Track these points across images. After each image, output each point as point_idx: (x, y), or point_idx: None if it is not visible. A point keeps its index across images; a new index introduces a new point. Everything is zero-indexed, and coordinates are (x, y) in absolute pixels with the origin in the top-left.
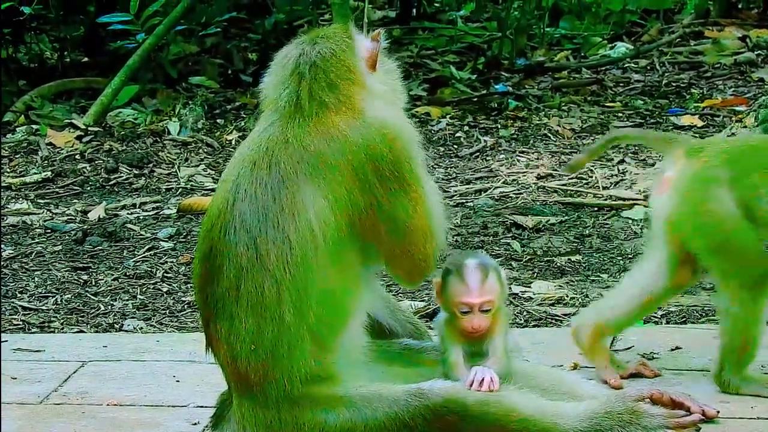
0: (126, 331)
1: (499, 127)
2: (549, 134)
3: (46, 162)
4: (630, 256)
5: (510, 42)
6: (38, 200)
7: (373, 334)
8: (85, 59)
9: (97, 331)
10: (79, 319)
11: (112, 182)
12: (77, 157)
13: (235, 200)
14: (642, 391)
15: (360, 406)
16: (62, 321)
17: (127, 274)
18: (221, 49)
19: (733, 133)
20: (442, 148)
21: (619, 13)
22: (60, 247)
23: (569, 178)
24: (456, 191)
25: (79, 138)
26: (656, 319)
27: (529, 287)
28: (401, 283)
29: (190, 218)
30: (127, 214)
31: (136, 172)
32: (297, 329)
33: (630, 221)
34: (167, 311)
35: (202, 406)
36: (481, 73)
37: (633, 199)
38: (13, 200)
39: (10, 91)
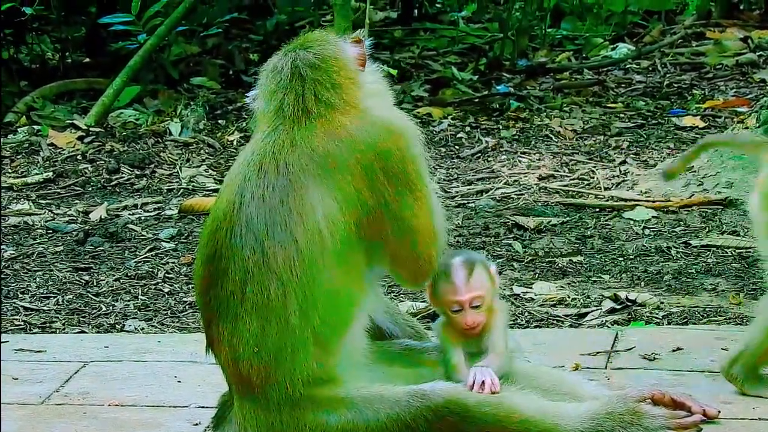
0: (127, 331)
1: (501, 127)
2: (550, 135)
3: (47, 162)
4: (631, 257)
5: (511, 43)
6: (40, 201)
7: (373, 338)
8: (87, 60)
9: (98, 332)
10: (81, 319)
11: (113, 183)
12: (79, 157)
13: (242, 203)
14: (643, 391)
15: (361, 408)
16: (63, 321)
17: (129, 274)
18: (223, 50)
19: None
20: (443, 149)
21: (620, 14)
22: (61, 248)
23: (570, 179)
24: (457, 192)
25: (80, 138)
26: (657, 320)
27: (531, 288)
28: (404, 285)
29: (191, 219)
30: (129, 214)
31: (138, 172)
32: (301, 332)
33: (631, 222)
34: (168, 312)
35: (203, 407)
36: (483, 74)
37: (634, 200)
38: (15, 201)
39: (11, 91)
